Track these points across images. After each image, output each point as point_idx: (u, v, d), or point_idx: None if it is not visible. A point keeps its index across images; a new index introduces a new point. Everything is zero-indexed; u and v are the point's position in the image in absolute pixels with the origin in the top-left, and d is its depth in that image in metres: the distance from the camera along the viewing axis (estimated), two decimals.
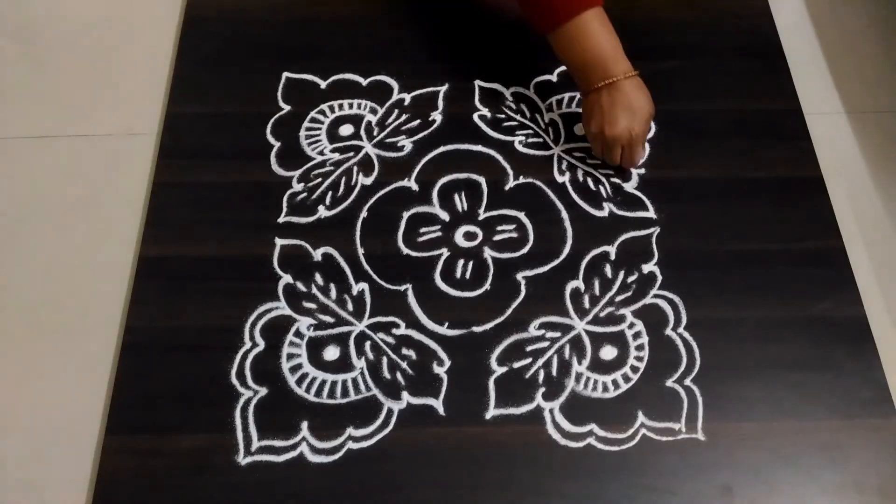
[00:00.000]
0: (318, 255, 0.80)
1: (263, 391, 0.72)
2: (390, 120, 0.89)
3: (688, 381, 0.73)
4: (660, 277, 0.79)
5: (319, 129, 0.89)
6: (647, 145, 0.85)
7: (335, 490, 0.68)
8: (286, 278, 0.78)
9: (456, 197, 0.84)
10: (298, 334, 0.75)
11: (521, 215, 0.83)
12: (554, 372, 0.74)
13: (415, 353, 0.74)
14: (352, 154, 0.87)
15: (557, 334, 0.76)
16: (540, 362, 0.74)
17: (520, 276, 0.79)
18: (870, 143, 0.91)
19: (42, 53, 0.98)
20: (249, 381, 0.73)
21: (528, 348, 0.75)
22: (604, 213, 0.83)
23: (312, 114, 0.89)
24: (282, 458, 0.69)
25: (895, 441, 0.71)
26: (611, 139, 0.80)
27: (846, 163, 0.90)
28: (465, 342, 0.75)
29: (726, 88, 0.92)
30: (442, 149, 0.87)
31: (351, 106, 0.90)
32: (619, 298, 0.78)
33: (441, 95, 0.91)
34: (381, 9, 0.98)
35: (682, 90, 0.92)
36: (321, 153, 0.87)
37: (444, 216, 0.82)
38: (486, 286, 0.78)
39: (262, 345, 0.75)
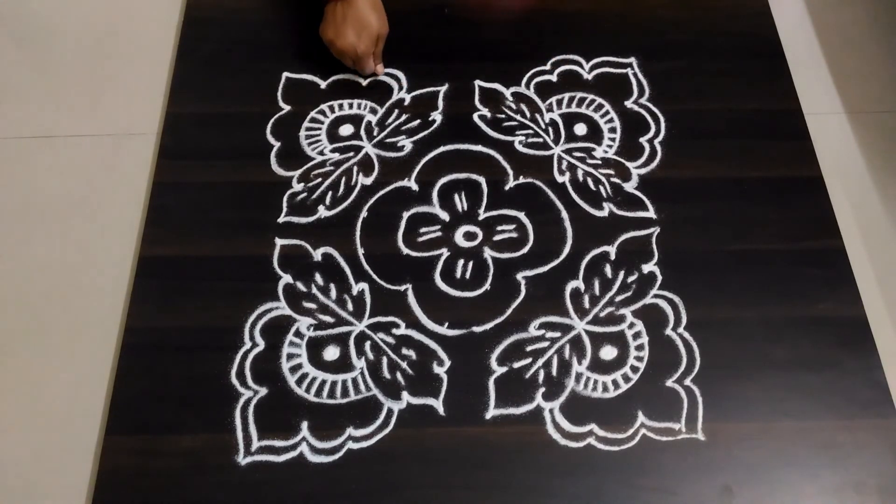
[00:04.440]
0: (318, 255, 0.80)
1: (263, 391, 0.72)
2: (390, 120, 0.89)
3: (688, 381, 0.73)
4: (660, 277, 0.79)
5: (319, 129, 0.89)
6: (380, 64, 0.91)
7: (335, 490, 0.68)
8: (286, 278, 0.78)
9: (456, 197, 0.84)
10: (298, 334, 0.75)
11: (521, 215, 0.83)
12: (554, 372, 0.74)
13: (415, 353, 0.74)
14: (352, 154, 0.87)
15: (557, 334, 0.76)
16: (540, 362, 0.74)
17: (520, 276, 0.79)
18: (870, 143, 0.91)
19: (42, 53, 0.98)
20: (249, 381, 0.73)
21: (528, 348, 0.75)
22: (604, 213, 0.83)
23: (312, 114, 0.89)
24: (282, 458, 0.70)
25: (895, 441, 0.71)
26: (338, 51, 0.87)
27: (846, 163, 0.90)
28: (465, 342, 0.75)
29: (726, 88, 0.92)
30: (442, 149, 0.87)
31: (351, 106, 0.90)
32: (619, 298, 0.78)
33: (441, 95, 0.91)
34: None
35: (682, 90, 0.92)
36: (321, 153, 0.87)
37: (444, 216, 0.82)
38: (486, 286, 0.78)
39: (262, 345, 0.75)
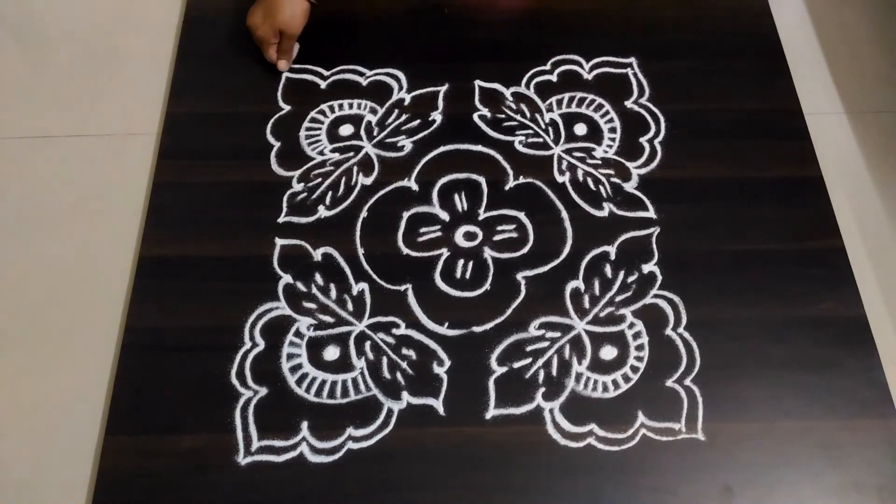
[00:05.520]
0: (318, 255, 0.80)
1: (263, 391, 0.72)
2: (390, 120, 0.89)
3: (688, 381, 0.73)
4: (660, 277, 0.79)
5: (319, 129, 0.89)
6: (287, 59, 0.91)
7: (335, 490, 0.68)
8: (286, 278, 0.78)
9: (456, 197, 0.84)
10: (298, 334, 0.75)
11: (521, 215, 0.83)
12: (554, 372, 0.74)
13: (415, 353, 0.74)
14: (352, 154, 0.87)
15: (557, 334, 0.76)
16: (540, 362, 0.74)
17: (520, 276, 0.79)
18: (870, 143, 0.91)
19: (42, 53, 0.98)
20: (249, 381, 0.73)
21: (528, 348, 0.75)
22: (604, 213, 0.83)
23: (312, 114, 0.90)
24: (282, 458, 0.69)
25: (895, 441, 0.71)
26: (247, 26, 0.90)
27: (846, 163, 0.90)
28: (465, 342, 0.75)
29: (726, 88, 0.92)
30: (442, 149, 0.87)
31: (351, 106, 0.90)
32: (619, 298, 0.78)
33: (441, 95, 0.91)
34: (381, 9, 0.98)
35: (682, 90, 0.92)
36: (321, 153, 0.87)
37: (444, 216, 0.82)
38: (486, 286, 0.78)
39: (262, 345, 0.75)
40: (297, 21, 0.87)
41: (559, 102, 0.91)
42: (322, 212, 0.83)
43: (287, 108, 0.90)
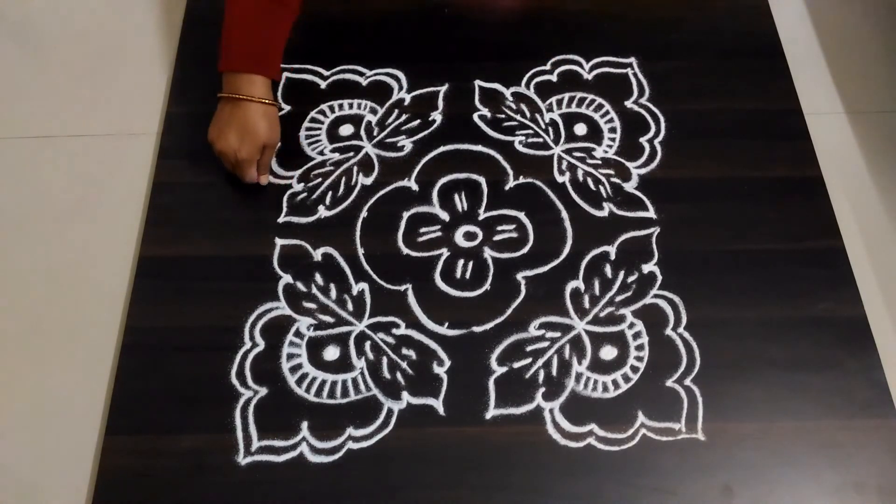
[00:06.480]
0: (318, 255, 0.80)
1: (263, 391, 0.72)
2: (390, 120, 0.89)
3: (688, 381, 0.73)
4: (660, 277, 0.79)
5: (319, 129, 0.89)
6: (268, 174, 0.84)
7: (335, 490, 0.68)
8: (286, 278, 0.78)
9: (456, 197, 0.84)
10: (298, 334, 0.75)
11: (521, 215, 0.83)
12: (554, 372, 0.74)
13: (415, 353, 0.74)
14: (352, 154, 0.87)
15: (557, 334, 0.76)
16: (540, 362, 0.74)
17: (520, 276, 0.79)
18: (870, 143, 0.91)
19: (42, 53, 0.98)
20: (249, 381, 0.73)
21: (528, 348, 0.75)
22: (604, 213, 0.83)
23: (312, 114, 0.90)
24: (282, 458, 0.70)
25: (895, 441, 0.71)
26: (218, 152, 0.81)
27: (846, 163, 0.90)
28: (465, 342, 0.75)
29: (726, 88, 0.92)
30: (442, 149, 0.87)
31: (351, 106, 0.90)
32: (619, 298, 0.78)
33: (441, 95, 0.91)
34: (381, 9, 0.98)
35: (682, 90, 0.92)
36: (321, 153, 0.87)
37: (444, 216, 0.82)
38: (486, 286, 0.78)
39: (262, 345, 0.75)
40: (277, 129, 0.82)
41: (559, 102, 0.91)
42: (322, 212, 0.83)
43: (287, 108, 0.90)
